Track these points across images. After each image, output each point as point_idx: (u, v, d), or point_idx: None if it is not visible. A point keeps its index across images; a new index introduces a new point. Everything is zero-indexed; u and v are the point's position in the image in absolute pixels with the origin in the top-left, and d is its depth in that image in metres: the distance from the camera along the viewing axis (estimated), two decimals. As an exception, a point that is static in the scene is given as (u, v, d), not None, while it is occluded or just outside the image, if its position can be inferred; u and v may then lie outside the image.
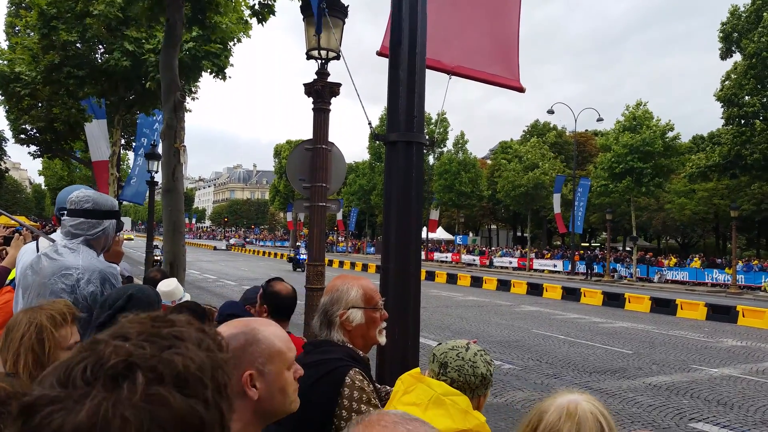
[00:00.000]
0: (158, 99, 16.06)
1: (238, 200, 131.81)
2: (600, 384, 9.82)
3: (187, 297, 3.54)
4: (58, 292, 2.51)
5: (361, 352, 2.13)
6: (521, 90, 4.48)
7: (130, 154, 26.93)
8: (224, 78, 14.86)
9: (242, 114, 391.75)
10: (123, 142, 22.43)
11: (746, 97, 32.74)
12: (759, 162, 31.99)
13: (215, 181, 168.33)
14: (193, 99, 19.58)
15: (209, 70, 14.86)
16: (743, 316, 18.46)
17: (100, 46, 16.32)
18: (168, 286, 3.67)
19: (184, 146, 9.25)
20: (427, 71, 3.57)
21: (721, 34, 33.51)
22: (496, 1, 4.50)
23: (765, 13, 30.84)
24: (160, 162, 16.57)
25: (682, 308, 20.27)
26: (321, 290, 6.84)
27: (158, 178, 17.36)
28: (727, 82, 33.77)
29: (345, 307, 2.11)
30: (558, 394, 1.62)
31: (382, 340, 2.23)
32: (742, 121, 33.35)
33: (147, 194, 19.04)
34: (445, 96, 4.00)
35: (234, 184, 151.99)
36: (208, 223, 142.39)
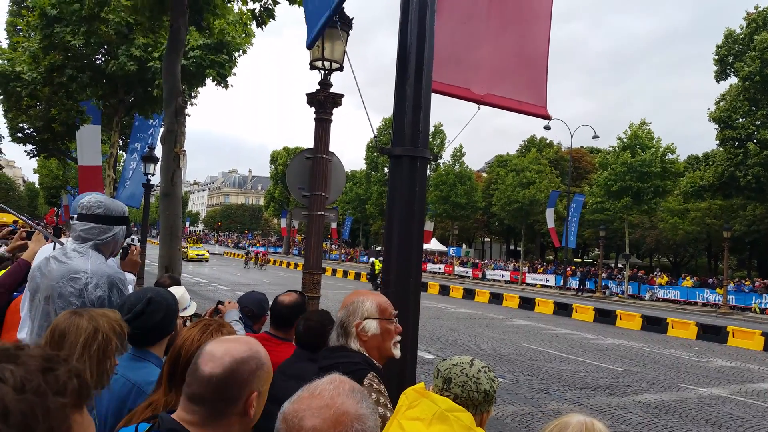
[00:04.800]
0: (158, 103, 16.13)
1: (233, 205, 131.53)
2: (590, 400, 9.86)
3: (194, 305, 3.56)
4: (67, 295, 2.53)
5: (375, 362, 2.17)
6: (548, 118, 4.41)
7: (125, 156, 26.92)
8: (226, 86, 14.97)
9: (247, 119, 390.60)
10: (120, 143, 22.42)
11: (740, 119, 33.03)
12: (752, 184, 32.24)
13: (210, 185, 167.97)
14: (191, 105, 19.64)
15: (212, 79, 14.98)
16: (733, 337, 18.56)
17: (102, 49, 16.37)
18: (176, 293, 3.69)
19: (184, 151, 9.27)
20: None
21: (716, 57, 33.84)
22: (527, 17, 4.41)
23: (757, 36, 31.18)
24: (157, 165, 16.58)
25: (672, 327, 20.36)
26: (317, 298, 6.88)
27: (154, 181, 17.38)
28: (721, 103, 34.09)
29: (361, 317, 2.16)
30: (571, 415, 1.70)
31: (397, 352, 2.27)
32: (736, 143, 33.63)
33: (143, 197, 19.04)
34: (465, 125, 4.03)
35: (229, 188, 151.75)
36: (201, 227, 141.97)
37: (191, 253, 49.66)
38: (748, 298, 32.40)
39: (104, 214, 2.73)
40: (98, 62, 16.58)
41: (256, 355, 1.54)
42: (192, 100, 18.94)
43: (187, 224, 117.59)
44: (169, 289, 3.81)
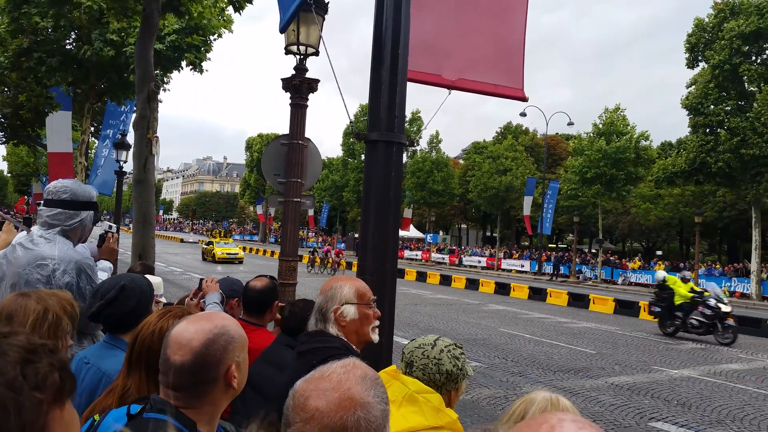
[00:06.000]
0: (130, 88, 15.82)
1: (207, 192, 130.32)
2: (564, 383, 10.01)
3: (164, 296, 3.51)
4: (34, 282, 2.48)
5: (354, 347, 2.17)
6: (524, 99, 4.45)
7: (96, 143, 26.42)
8: (201, 71, 14.76)
9: (226, 106, 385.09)
10: (92, 129, 21.99)
11: (711, 107, 33.53)
12: (723, 170, 32.82)
13: (184, 172, 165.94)
14: (164, 90, 19.30)
15: (188, 63, 14.74)
16: (703, 320, 18.94)
17: (72, 33, 15.97)
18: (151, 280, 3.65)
19: (157, 137, 9.13)
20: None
21: (687, 45, 34.25)
22: (502, 6, 4.45)
23: (726, 25, 31.61)
24: (129, 152, 16.32)
25: (644, 310, 20.71)
26: (293, 285, 6.85)
27: (126, 168, 17.10)
28: (692, 88, 34.56)
29: (339, 302, 2.16)
30: (536, 392, 1.72)
31: (375, 337, 2.28)
32: (707, 130, 34.16)
33: (115, 184, 18.77)
34: (438, 109, 4.03)
35: (203, 176, 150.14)
36: (175, 215, 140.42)
37: (220, 252, 38.03)
38: (719, 282, 33.07)
39: (70, 199, 2.67)
40: (69, 47, 16.18)
41: (223, 330, 1.51)
42: (165, 85, 18.62)
43: (161, 212, 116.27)
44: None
